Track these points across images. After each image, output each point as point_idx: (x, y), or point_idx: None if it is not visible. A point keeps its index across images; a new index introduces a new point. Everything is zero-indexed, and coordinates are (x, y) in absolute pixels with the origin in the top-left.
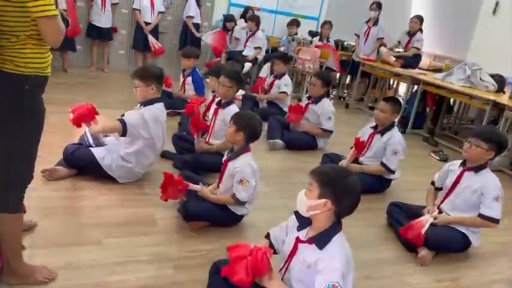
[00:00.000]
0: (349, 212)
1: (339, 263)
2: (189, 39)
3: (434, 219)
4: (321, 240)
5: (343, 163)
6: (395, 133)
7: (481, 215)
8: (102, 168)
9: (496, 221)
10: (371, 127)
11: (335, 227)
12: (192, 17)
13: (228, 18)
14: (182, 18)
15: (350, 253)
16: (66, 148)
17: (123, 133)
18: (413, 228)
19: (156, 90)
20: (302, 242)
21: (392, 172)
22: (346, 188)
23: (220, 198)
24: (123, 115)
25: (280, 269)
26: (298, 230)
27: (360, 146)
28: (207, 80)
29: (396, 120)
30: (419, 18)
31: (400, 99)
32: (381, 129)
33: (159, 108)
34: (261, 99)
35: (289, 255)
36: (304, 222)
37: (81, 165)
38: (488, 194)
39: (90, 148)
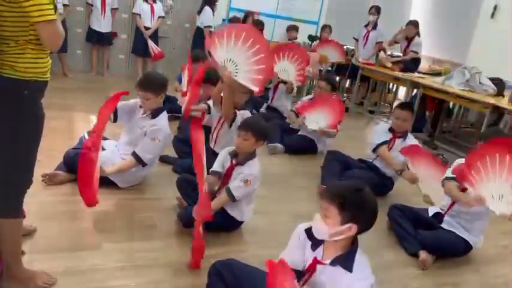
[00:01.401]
0: (370, 227)
1: (372, 279)
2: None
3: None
4: (347, 262)
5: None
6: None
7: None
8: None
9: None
10: (389, 129)
11: (355, 244)
12: (210, 27)
13: (232, 20)
14: (183, 24)
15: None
16: (66, 153)
17: (143, 165)
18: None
19: (162, 97)
20: (322, 263)
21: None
22: (366, 205)
23: (217, 203)
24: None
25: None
26: (313, 249)
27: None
28: None
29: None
30: (414, 24)
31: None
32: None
33: (166, 119)
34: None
35: (306, 273)
36: (317, 240)
37: None
38: None
39: None
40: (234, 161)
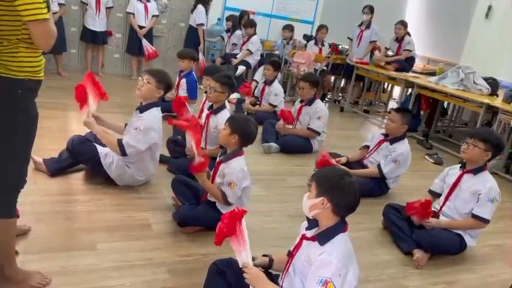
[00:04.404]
0: (348, 210)
1: (335, 259)
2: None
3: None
4: (324, 237)
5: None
6: (403, 144)
7: (473, 215)
8: (102, 165)
9: (486, 221)
10: (382, 134)
11: (339, 226)
12: (202, 25)
13: (227, 18)
14: (178, 23)
15: (352, 253)
16: (71, 138)
17: (123, 154)
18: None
19: (160, 96)
20: (307, 238)
21: (383, 177)
22: (341, 186)
23: (212, 188)
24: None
25: (286, 264)
26: (306, 230)
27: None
28: (201, 86)
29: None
30: (403, 24)
31: (395, 102)
32: (391, 138)
33: (154, 115)
34: (249, 110)
35: (294, 249)
36: (313, 223)
37: (82, 158)
38: (484, 195)
39: (95, 143)
40: (219, 158)
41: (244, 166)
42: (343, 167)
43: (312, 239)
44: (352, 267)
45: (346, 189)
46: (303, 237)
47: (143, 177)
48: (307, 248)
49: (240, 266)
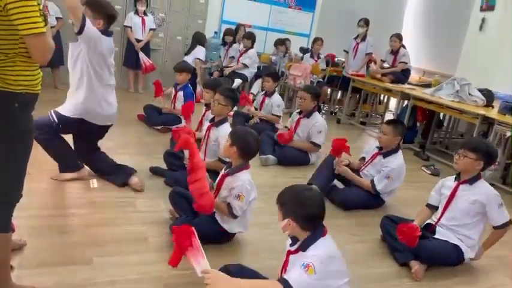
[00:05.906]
0: (315, 221)
1: (314, 255)
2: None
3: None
4: (305, 245)
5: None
6: (396, 158)
7: (497, 227)
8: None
9: (509, 224)
10: (377, 146)
11: (317, 233)
12: (201, 61)
13: (226, 32)
14: (175, 36)
15: (335, 251)
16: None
17: (81, 28)
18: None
19: (102, 26)
20: (292, 253)
21: (377, 193)
22: (301, 202)
23: (219, 205)
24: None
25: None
26: (290, 246)
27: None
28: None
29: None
30: (398, 37)
31: (391, 114)
32: (385, 151)
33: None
34: (254, 114)
35: (282, 267)
36: (294, 240)
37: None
38: (492, 205)
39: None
40: (225, 172)
41: (250, 179)
42: (345, 167)
43: (296, 251)
44: (337, 262)
45: (308, 203)
46: (289, 252)
47: (113, 111)
48: (293, 261)
49: (200, 275)
